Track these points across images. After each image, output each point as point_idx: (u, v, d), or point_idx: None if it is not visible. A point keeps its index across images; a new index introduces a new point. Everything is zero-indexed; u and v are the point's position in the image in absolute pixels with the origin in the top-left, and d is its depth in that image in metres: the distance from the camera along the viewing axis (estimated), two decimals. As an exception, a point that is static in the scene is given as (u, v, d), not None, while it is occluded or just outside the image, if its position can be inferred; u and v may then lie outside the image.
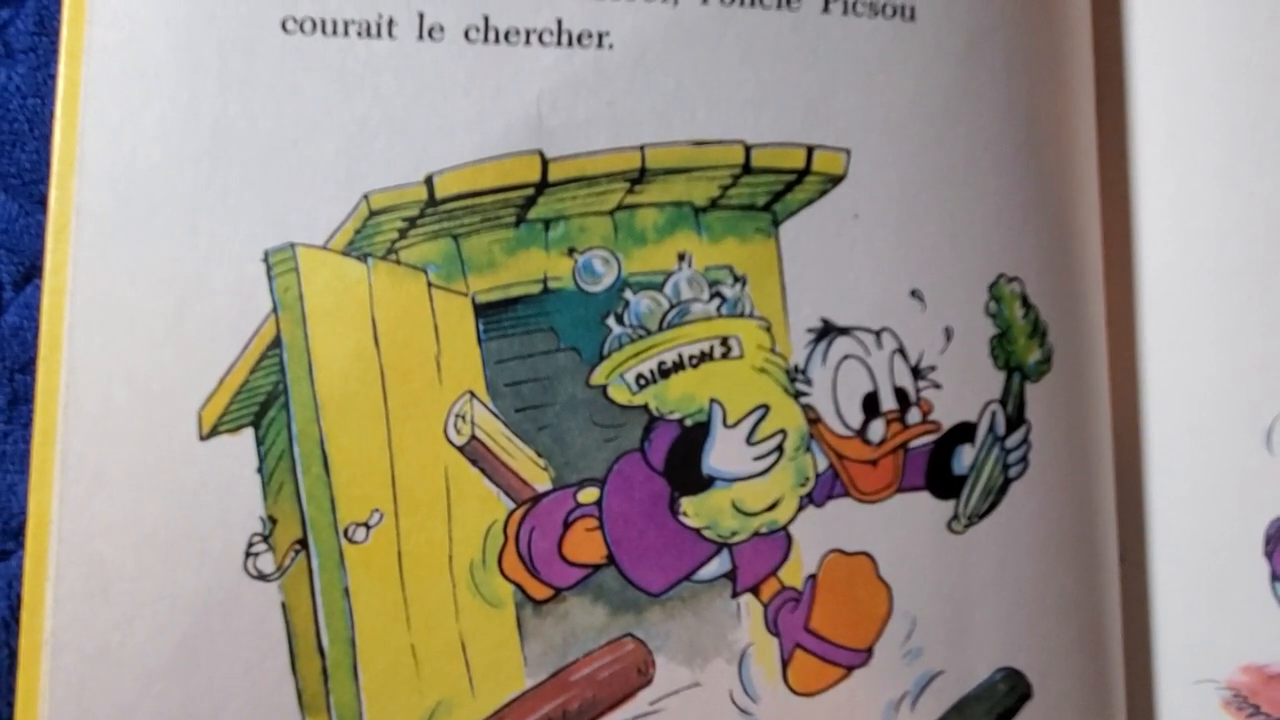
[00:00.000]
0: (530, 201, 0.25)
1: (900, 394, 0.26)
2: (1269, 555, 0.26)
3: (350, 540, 0.24)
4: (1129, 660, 0.28)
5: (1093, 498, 0.27)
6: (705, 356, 0.25)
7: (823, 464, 0.25)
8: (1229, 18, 0.28)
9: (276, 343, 0.24)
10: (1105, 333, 0.29)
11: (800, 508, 0.25)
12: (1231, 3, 0.28)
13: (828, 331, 0.25)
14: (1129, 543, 0.28)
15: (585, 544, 0.25)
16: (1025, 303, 0.27)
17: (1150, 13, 0.29)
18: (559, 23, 0.25)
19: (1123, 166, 0.29)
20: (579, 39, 0.25)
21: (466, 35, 0.25)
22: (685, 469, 0.25)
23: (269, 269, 0.24)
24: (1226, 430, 0.27)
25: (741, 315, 0.25)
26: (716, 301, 0.25)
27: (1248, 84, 0.27)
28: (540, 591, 0.24)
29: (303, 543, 0.24)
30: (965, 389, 0.26)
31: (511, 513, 0.24)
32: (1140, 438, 0.28)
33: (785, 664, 0.25)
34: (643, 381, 0.25)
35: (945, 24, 0.27)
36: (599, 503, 0.25)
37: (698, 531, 0.25)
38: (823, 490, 0.25)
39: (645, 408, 0.25)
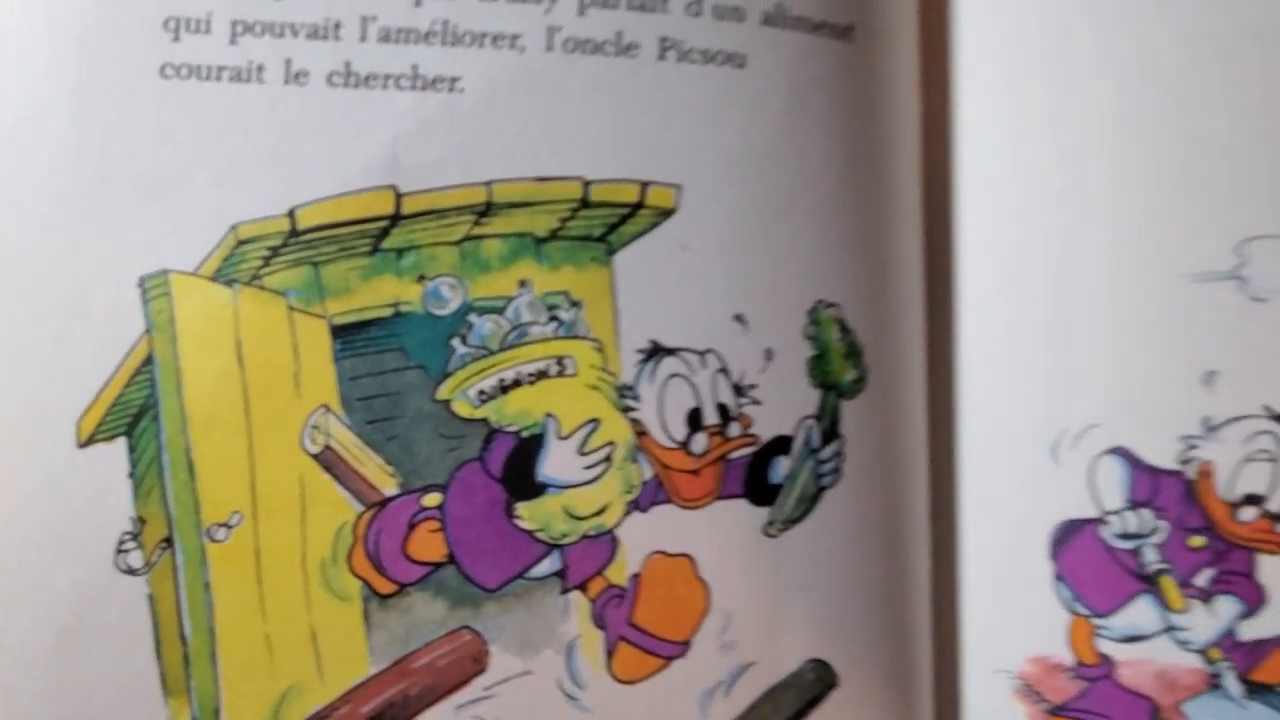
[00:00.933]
0: (384, 232, 0.28)
1: (722, 409, 0.29)
2: (1054, 557, 0.29)
3: (212, 539, 0.27)
4: (940, 651, 0.31)
5: (904, 503, 0.31)
6: (542, 374, 0.28)
7: (648, 473, 0.29)
8: (1053, 61, 0.30)
9: (149, 360, 0.27)
10: (925, 353, 0.32)
11: (626, 513, 0.29)
12: (1056, 45, 0.30)
13: (656, 352, 0.29)
14: (942, 544, 0.32)
15: (428, 544, 0.28)
16: (843, 327, 0.30)
17: (978, 57, 0.31)
18: (414, 68, 0.28)
19: (947, 202, 0.32)
20: (433, 83, 0.28)
21: (329, 80, 0.28)
22: (521, 477, 0.28)
23: (144, 294, 0.27)
24: (1021, 443, 0.30)
25: (576, 337, 0.28)
26: (554, 324, 0.28)
27: (1060, 126, 0.30)
28: (385, 587, 0.28)
29: (169, 541, 0.27)
30: (783, 405, 0.29)
31: (361, 515, 0.27)
32: (954, 448, 0.31)
33: (610, 654, 0.28)
34: (484, 397, 0.28)
35: (773, 72, 0.30)
36: (441, 507, 0.28)
37: (531, 534, 0.28)
38: (647, 497, 0.29)
39: (485, 421, 0.28)
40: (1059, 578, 0.30)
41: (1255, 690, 0.27)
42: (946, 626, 0.32)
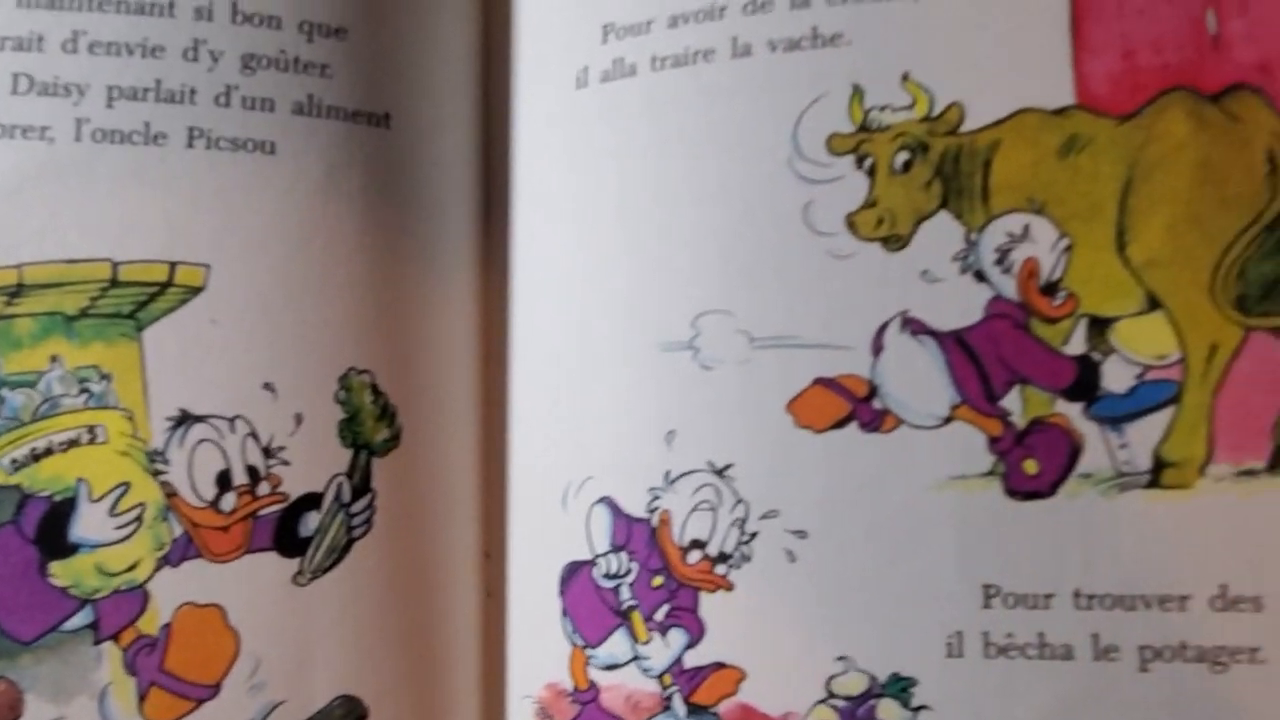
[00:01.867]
0: (-84, 313, 0.31)
1: (251, 470, 0.33)
2: (562, 594, 0.34)
3: None
4: (491, 678, 0.36)
5: (442, 547, 0.35)
6: (73, 443, 0.32)
7: (179, 530, 0.32)
8: (576, 155, 0.35)
9: None
10: (479, 409, 0.36)
11: (157, 568, 0.32)
12: (580, 146, 0.35)
13: (185, 419, 0.32)
14: (495, 582, 0.36)
15: (-38, 603, 0.31)
16: (375, 391, 0.34)
17: (528, 154, 0.36)
18: (-55, 160, 0.31)
19: (505, 276, 0.36)
20: (-36, 173, 0.31)
21: None
22: (54, 538, 0.32)
23: None
24: (543, 491, 0.35)
25: (107, 407, 0.32)
26: (85, 396, 0.32)
27: (576, 211, 0.35)
28: (-79, 645, 0.30)
29: None
30: (313, 465, 0.34)
31: (-107, 580, 0.30)
32: (504, 495, 0.35)
33: (141, 699, 0.32)
34: (16, 465, 0.31)
35: (304, 157, 0.34)
36: (-25, 569, 0.31)
37: (64, 590, 0.32)
38: (177, 552, 0.32)
39: (19, 487, 0.31)
40: (564, 613, 0.34)
41: (694, 711, 0.32)
42: (496, 655, 0.36)
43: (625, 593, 0.34)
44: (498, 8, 0.39)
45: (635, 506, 0.34)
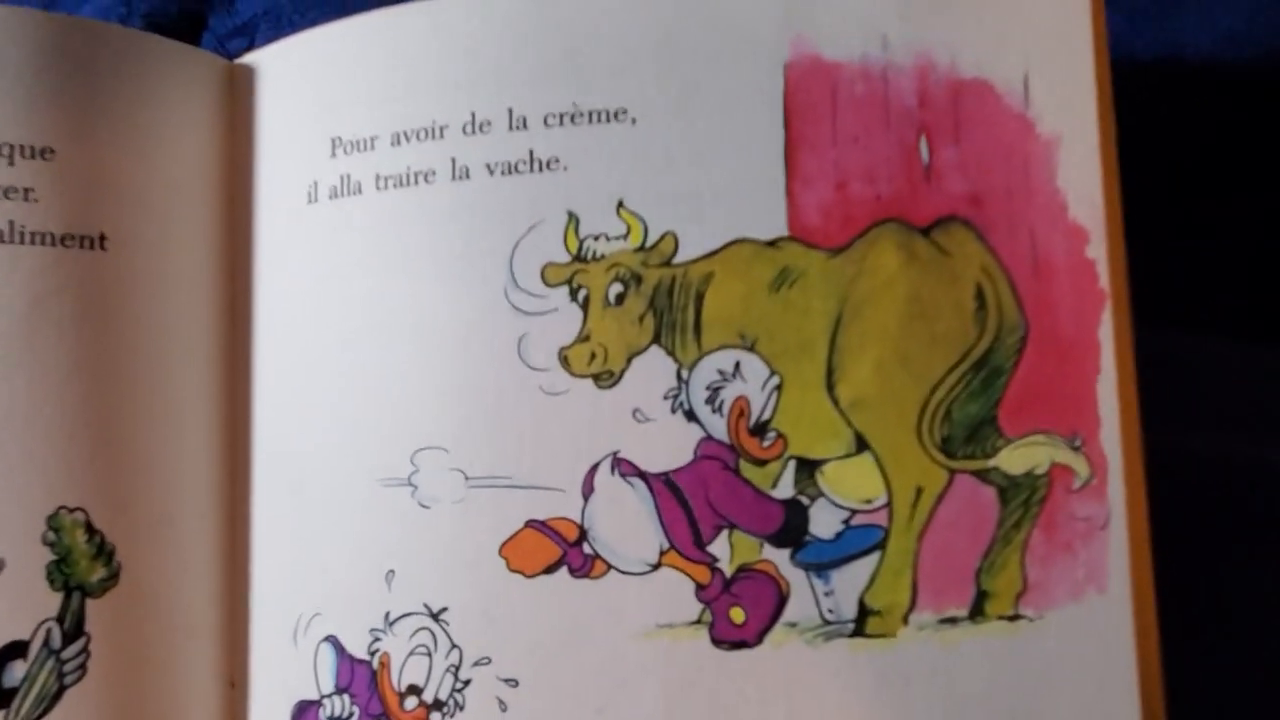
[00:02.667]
0: None
1: (-53, 623, 0.31)
2: (291, 734, 0.32)
3: None
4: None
5: (172, 685, 0.34)
6: None
7: None
8: (320, 290, 0.34)
9: None
10: (214, 537, 0.34)
11: None
12: (317, 283, 0.34)
13: None
14: (239, 710, 0.34)
15: None
16: (89, 529, 0.32)
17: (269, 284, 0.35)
18: None
19: (248, 408, 0.35)
20: None
21: None
22: None
23: None
24: (275, 625, 0.33)
25: None
26: None
27: (313, 351, 0.34)
28: None
29: None
30: (18, 611, 0.32)
31: None
32: (247, 631, 0.34)
33: None
34: None
35: (6, 286, 0.33)
36: None
37: None
38: None
39: None
40: (295, 751, 0.33)
41: None
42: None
43: (348, 738, 0.33)
44: (240, 114, 0.38)
45: (358, 647, 0.33)
